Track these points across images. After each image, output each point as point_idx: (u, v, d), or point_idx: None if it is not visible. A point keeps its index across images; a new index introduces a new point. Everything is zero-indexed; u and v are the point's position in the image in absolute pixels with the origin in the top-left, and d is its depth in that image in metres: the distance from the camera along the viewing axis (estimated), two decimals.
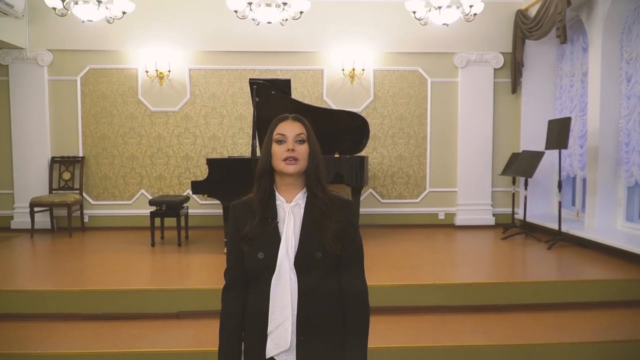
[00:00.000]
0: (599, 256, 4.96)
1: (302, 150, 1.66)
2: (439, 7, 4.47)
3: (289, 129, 1.67)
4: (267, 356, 1.60)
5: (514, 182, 6.45)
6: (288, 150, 1.64)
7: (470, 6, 4.53)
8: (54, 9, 4.39)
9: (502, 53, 6.70)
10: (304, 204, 1.68)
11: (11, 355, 3.21)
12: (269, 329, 1.60)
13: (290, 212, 1.66)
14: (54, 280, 4.30)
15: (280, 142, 1.66)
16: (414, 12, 4.72)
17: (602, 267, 4.61)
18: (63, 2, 4.20)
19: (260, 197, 1.67)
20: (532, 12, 6.21)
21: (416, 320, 3.70)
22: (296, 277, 1.60)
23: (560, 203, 5.49)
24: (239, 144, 6.69)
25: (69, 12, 4.40)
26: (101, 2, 4.22)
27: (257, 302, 1.64)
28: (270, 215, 1.66)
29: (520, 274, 4.62)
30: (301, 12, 4.80)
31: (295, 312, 1.59)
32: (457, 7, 4.61)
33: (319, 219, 1.64)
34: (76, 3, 4.31)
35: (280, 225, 1.65)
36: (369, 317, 1.72)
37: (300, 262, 1.61)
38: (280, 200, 1.69)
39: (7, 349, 3.25)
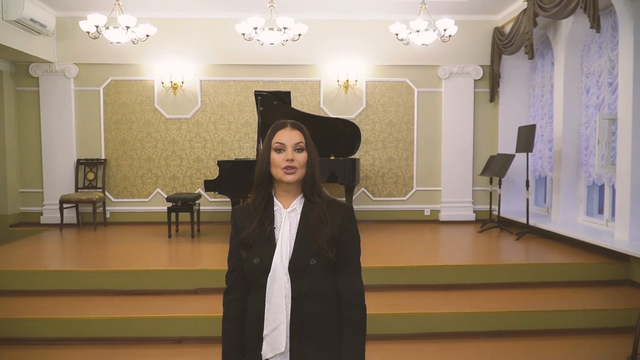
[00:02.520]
0: (561, 246, 5.66)
1: (301, 158, 1.68)
2: (418, 31, 5.20)
3: (288, 137, 1.69)
4: (263, 359, 1.64)
5: (491, 182, 7.16)
6: (287, 160, 1.66)
7: (445, 30, 5.26)
8: (88, 32, 5.14)
9: (481, 66, 7.43)
10: (301, 209, 1.71)
11: (67, 320, 3.95)
12: (265, 332, 1.63)
13: (287, 217, 1.69)
14: (89, 263, 5.05)
15: (279, 150, 1.68)
16: (397, 34, 5.46)
17: (563, 254, 5.28)
18: (97, 28, 4.95)
19: (258, 203, 1.70)
20: (508, 29, 6.93)
21: (394, 296, 4.42)
22: (290, 283, 1.62)
23: (528, 200, 6.21)
24: (244, 147, 7.43)
25: (101, 35, 5.15)
26: (129, 27, 4.96)
27: (254, 306, 1.68)
28: (267, 220, 1.68)
29: (487, 259, 5.31)
30: (299, 35, 5.54)
31: (289, 316, 1.62)
32: (434, 30, 5.34)
33: (314, 225, 1.66)
34: (107, 28, 5.06)
35: (276, 230, 1.67)
36: (365, 318, 1.73)
37: (294, 268, 1.63)
38: (277, 205, 1.71)
39: (63, 315, 4.01)
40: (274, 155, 1.68)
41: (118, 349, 3.77)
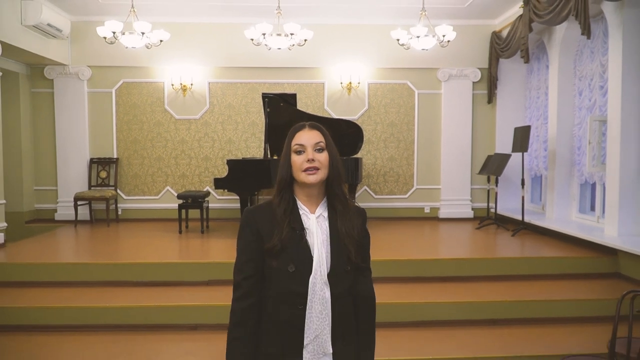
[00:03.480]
0: (555, 241, 5.92)
1: (322, 158, 1.65)
2: (418, 36, 5.48)
3: (307, 138, 1.66)
4: None
5: (488, 180, 7.43)
6: (308, 160, 1.64)
7: (443, 35, 5.54)
8: (105, 37, 5.42)
9: (479, 68, 7.71)
10: (327, 214, 1.69)
11: (88, 308, 4.24)
12: (306, 341, 1.61)
13: (316, 223, 1.66)
14: (105, 256, 5.33)
15: (299, 152, 1.66)
16: (398, 40, 5.73)
17: (556, 249, 5.55)
18: (114, 34, 5.22)
19: (284, 208, 1.66)
20: (505, 33, 7.18)
21: (395, 287, 4.69)
22: (329, 289, 1.62)
23: (523, 198, 6.49)
24: (251, 147, 7.71)
25: (117, 40, 5.42)
26: (144, 33, 5.24)
27: (282, 314, 1.64)
28: (297, 226, 1.64)
29: (483, 253, 5.56)
30: (305, 40, 5.82)
31: (330, 321, 1.63)
32: (433, 36, 5.62)
33: (345, 232, 1.66)
34: (123, 34, 5.34)
35: (309, 237, 1.65)
36: (375, 319, 1.80)
37: (333, 275, 1.63)
38: (303, 210, 1.68)
39: (83, 303, 4.29)
40: (295, 158, 1.66)
41: (137, 335, 4.05)
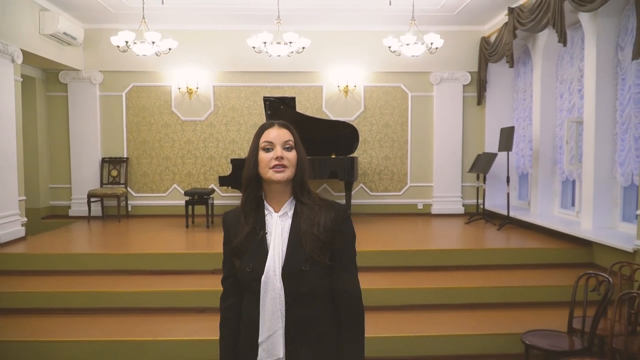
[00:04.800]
0: (537, 235, 6.30)
1: (291, 157, 1.64)
2: (408, 44, 5.90)
3: (276, 136, 1.65)
4: None
5: (478, 178, 7.83)
6: (276, 157, 1.62)
7: (431, 43, 5.96)
8: (118, 46, 5.87)
9: (469, 72, 8.13)
10: (292, 212, 1.67)
11: (103, 293, 4.68)
12: (260, 339, 1.61)
13: (278, 222, 1.65)
14: (118, 247, 5.78)
15: (267, 149, 1.64)
16: (389, 47, 6.16)
17: (537, 241, 5.93)
18: (126, 43, 5.67)
19: (249, 208, 1.67)
20: (493, 39, 7.60)
21: (386, 275, 5.11)
22: (283, 289, 1.59)
23: (508, 194, 6.90)
24: None
25: (129, 49, 5.87)
26: (154, 42, 5.69)
27: (248, 313, 1.65)
28: (258, 226, 1.64)
29: (468, 245, 5.98)
30: (303, 48, 6.25)
31: (284, 322, 1.60)
32: (422, 43, 6.04)
33: (305, 229, 1.62)
34: (135, 43, 5.79)
35: (268, 236, 1.64)
36: (363, 320, 1.71)
37: (288, 274, 1.60)
38: (268, 209, 1.67)
39: (98, 289, 4.74)
40: (262, 155, 1.64)
41: (150, 317, 4.49)
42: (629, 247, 4.64)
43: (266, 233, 1.64)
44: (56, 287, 4.78)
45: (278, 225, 1.65)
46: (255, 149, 1.67)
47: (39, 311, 4.55)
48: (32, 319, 4.41)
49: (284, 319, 1.60)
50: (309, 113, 7.69)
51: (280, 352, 1.60)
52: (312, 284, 1.63)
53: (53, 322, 4.36)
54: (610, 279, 3.22)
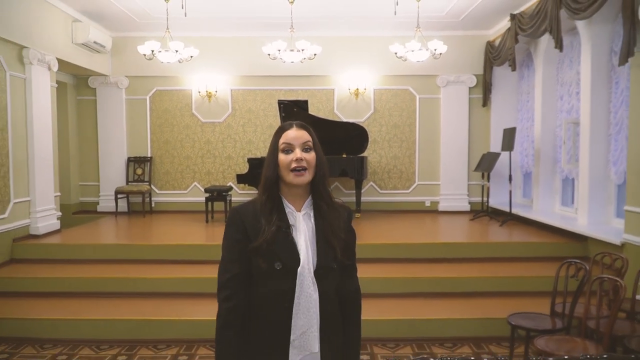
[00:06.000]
0: (537, 230, 6.62)
1: (310, 158, 1.64)
2: (413, 50, 6.30)
3: (295, 136, 1.65)
4: None
5: (483, 177, 8.16)
6: (296, 160, 1.62)
7: (435, 49, 6.35)
8: (144, 55, 6.37)
9: (475, 75, 8.48)
10: (312, 212, 1.69)
11: (133, 279, 5.18)
12: (292, 337, 1.61)
13: (302, 220, 1.66)
14: (145, 239, 6.29)
15: (286, 151, 1.64)
16: (396, 53, 6.56)
17: (536, 236, 6.26)
18: (152, 52, 6.17)
19: (270, 208, 1.65)
20: (497, 43, 7.94)
21: (390, 266, 5.52)
22: (316, 286, 1.61)
23: (510, 192, 7.24)
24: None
25: (154, 57, 6.37)
26: (177, 51, 6.18)
27: (270, 311, 1.64)
28: (283, 224, 1.64)
29: (470, 239, 6.34)
30: (315, 54, 6.69)
31: (318, 318, 1.62)
32: (427, 49, 6.42)
33: (331, 230, 1.66)
34: (160, 51, 6.28)
35: (295, 234, 1.64)
36: (360, 315, 1.84)
37: (320, 273, 1.63)
38: (289, 208, 1.68)
39: (127, 275, 5.24)
40: (282, 157, 1.65)
41: (175, 300, 4.95)
42: (617, 241, 4.98)
43: (292, 231, 1.65)
44: (90, 274, 5.30)
45: (303, 224, 1.66)
46: (274, 150, 1.68)
47: (74, 294, 5.08)
48: (70, 301, 4.93)
49: (318, 314, 1.62)
50: (321, 115, 8.11)
51: (316, 346, 1.62)
52: (336, 281, 1.71)
53: (89, 304, 4.87)
54: (586, 266, 3.59)
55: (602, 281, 3.39)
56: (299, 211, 1.68)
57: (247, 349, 1.67)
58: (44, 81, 6.48)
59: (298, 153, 1.64)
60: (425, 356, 1.59)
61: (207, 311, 4.62)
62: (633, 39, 4.54)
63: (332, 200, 1.72)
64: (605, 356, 1.75)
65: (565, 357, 1.71)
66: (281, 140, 1.67)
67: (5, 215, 5.82)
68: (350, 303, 1.79)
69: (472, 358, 1.59)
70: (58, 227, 6.73)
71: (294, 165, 1.63)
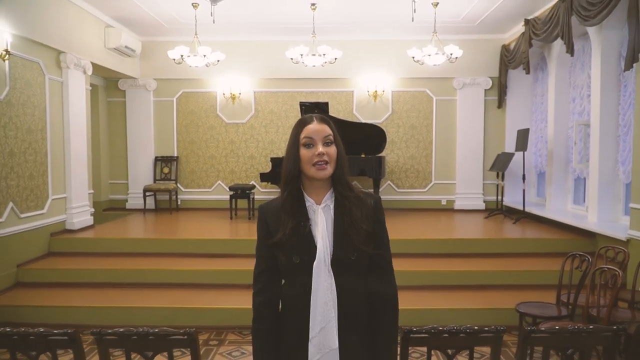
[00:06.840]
0: (549, 228, 6.84)
1: (332, 152, 1.64)
2: (429, 55, 6.58)
3: (317, 131, 1.65)
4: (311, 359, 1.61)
5: (498, 176, 8.37)
6: (318, 154, 1.62)
7: (451, 54, 6.62)
8: (174, 59, 6.76)
9: (490, 77, 8.71)
10: (333, 204, 1.68)
11: (165, 270, 5.55)
12: (311, 334, 1.60)
13: (321, 213, 1.66)
14: (173, 234, 6.67)
15: (308, 145, 1.64)
16: (413, 57, 6.85)
17: (548, 233, 6.51)
18: (182, 56, 6.56)
19: (291, 202, 1.67)
20: (512, 46, 8.16)
21: (410, 260, 5.80)
22: (334, 279, 1.61)
23: (524, 191, 7.47)
24: None
25: (183, 61, 6.76)
26: (205, 55, 6.56)
27: (296, 306, 1.65)
28: (302, 218, 1.65)
29: (484, 235, 6.60)
30: (335, 58, 7.01)
31: (336, 313, 1.60)
32: (443, 54, 6.70)
33: (351, 219, 1.64)
34: (188, 56, 6.66)
35: (313, 228, 1.65)
36: (398, 320, 1.73)
37: (337, 264, 1.62)
38: (309, 202, 1.69)
39: (158, 267, 5.61)
40: (303, 151, 1.65)
41: (204, 290, 5.31)
42: (623, 236, 5.20)
43: (311, 225, 1.66)
44: (123, 266, 5.68)
45: (321, 217, 1.66)
46: (295, 144, 1.68)
47: (108, 284, 5.48)
48: (104, 291, 5.32)
49: (336, 308, 1.61)
50: (341, 116, 8.41)
51: (335, 342, 1.60)
52: (357, 274, 1.67)
53: (123, 294, 5.24)
54: (589, 258, 3.85)
55: (602, 272, 3.64)
56: (319, 204, 1.69)
57: (281, 343, 1.71)
58: (80, 84, 6.90)
59: (320, 147, 1.65)
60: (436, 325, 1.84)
61: (234, 300, 4.98)
62: (638, 45, 4.76)
63: (353, 190, 1.72)
64: (591, 327, 2.04)
65: (556, 327, 2.00)
66: (302, 134, 1.67)
67: (44, 211, 6.23)
68: (381, 308, 1.72)
69: (476, 327, 1.86)
70: (91, 222, 7.15)
71: (316, 159, 1.64)
